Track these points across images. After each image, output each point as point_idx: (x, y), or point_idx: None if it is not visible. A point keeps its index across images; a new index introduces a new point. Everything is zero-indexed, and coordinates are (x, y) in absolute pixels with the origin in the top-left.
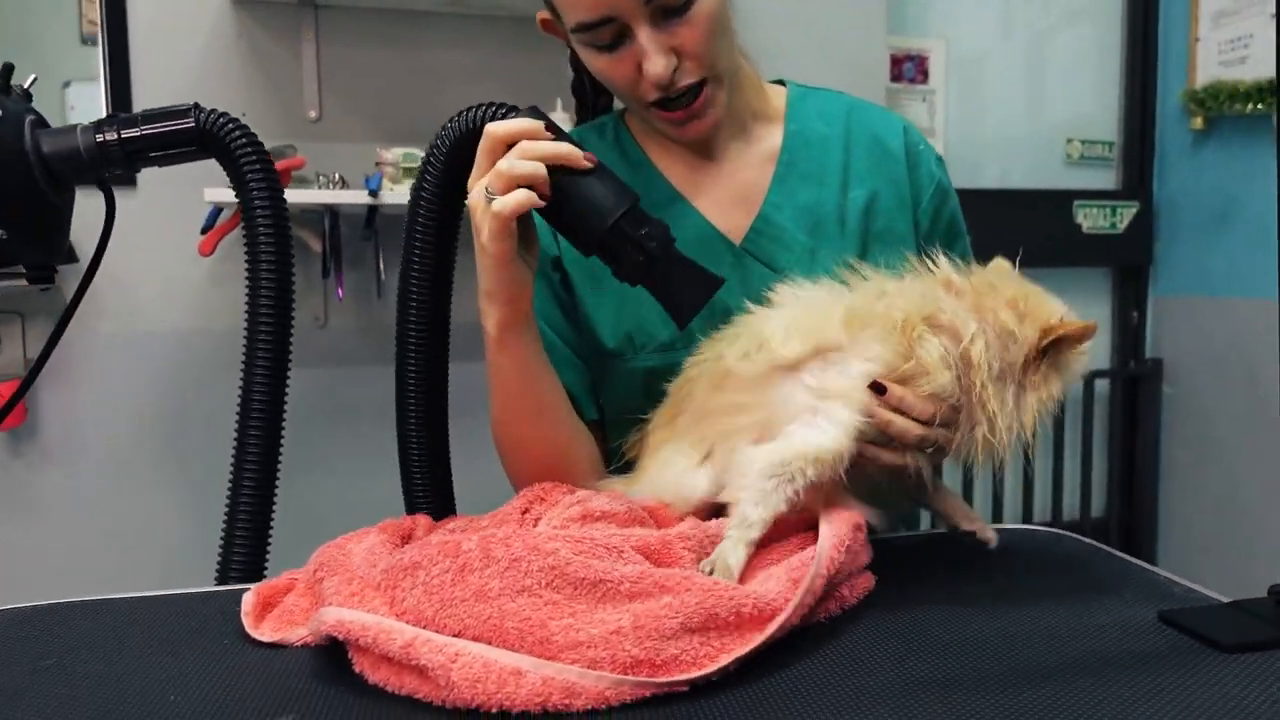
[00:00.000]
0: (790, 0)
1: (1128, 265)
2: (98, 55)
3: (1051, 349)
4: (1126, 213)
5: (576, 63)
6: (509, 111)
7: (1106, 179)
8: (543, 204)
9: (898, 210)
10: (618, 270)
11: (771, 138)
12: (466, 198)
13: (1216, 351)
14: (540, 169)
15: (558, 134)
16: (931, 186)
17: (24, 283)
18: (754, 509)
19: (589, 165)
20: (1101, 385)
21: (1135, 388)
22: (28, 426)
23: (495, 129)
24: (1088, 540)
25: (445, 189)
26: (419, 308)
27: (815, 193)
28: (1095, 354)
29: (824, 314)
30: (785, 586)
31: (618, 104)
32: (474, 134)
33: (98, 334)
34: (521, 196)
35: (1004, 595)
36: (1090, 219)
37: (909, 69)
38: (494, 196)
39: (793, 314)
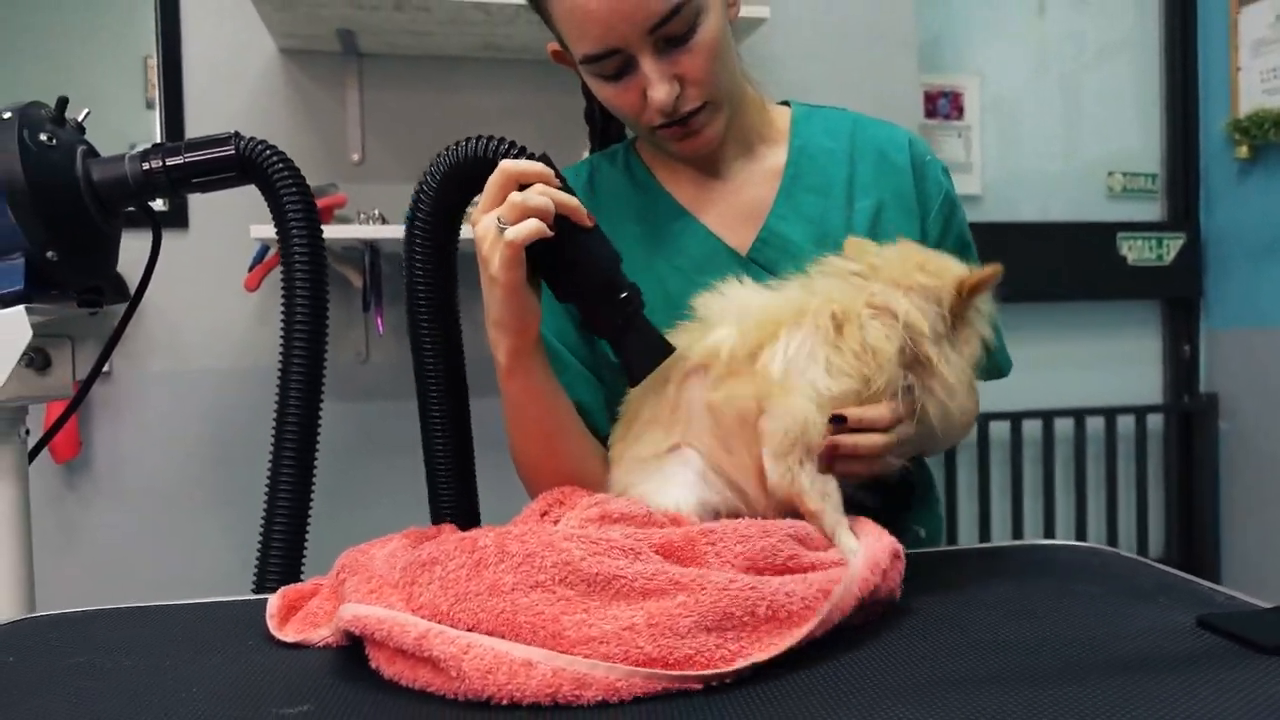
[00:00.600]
0: (821, 38)
1: (1177, 298)
2: (159, 118)
3: (970, 298)
4: (1173, 244)
5: (588, 91)
6: (520, 151)
7: (1150, 211)
8: (552, 235)
9: (904, 221)
10: (592, 324)
11: (776, 156)
12: (462, 226)
13: (1273, 385)
14: (551, 207)
15: (564, 186)
16: (940, 196)
17: (74, 306)
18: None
19: (590, 224)
20: (1154, 421)
21: (1190, 423)
22: (81, 460)
23: (512, 167)
24: (1127, 554)
25: (439, 213)
26: (430, 331)
27: (821, 204)
28: (1147, 388)
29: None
30: (812, 594)
31: (629, 131)
32: (471, 163)
33: (148, 371)
34: (534, 225)
35: (1037, 600)
36: (1135, 251)
37: (943, 105)
38: (505, 226)
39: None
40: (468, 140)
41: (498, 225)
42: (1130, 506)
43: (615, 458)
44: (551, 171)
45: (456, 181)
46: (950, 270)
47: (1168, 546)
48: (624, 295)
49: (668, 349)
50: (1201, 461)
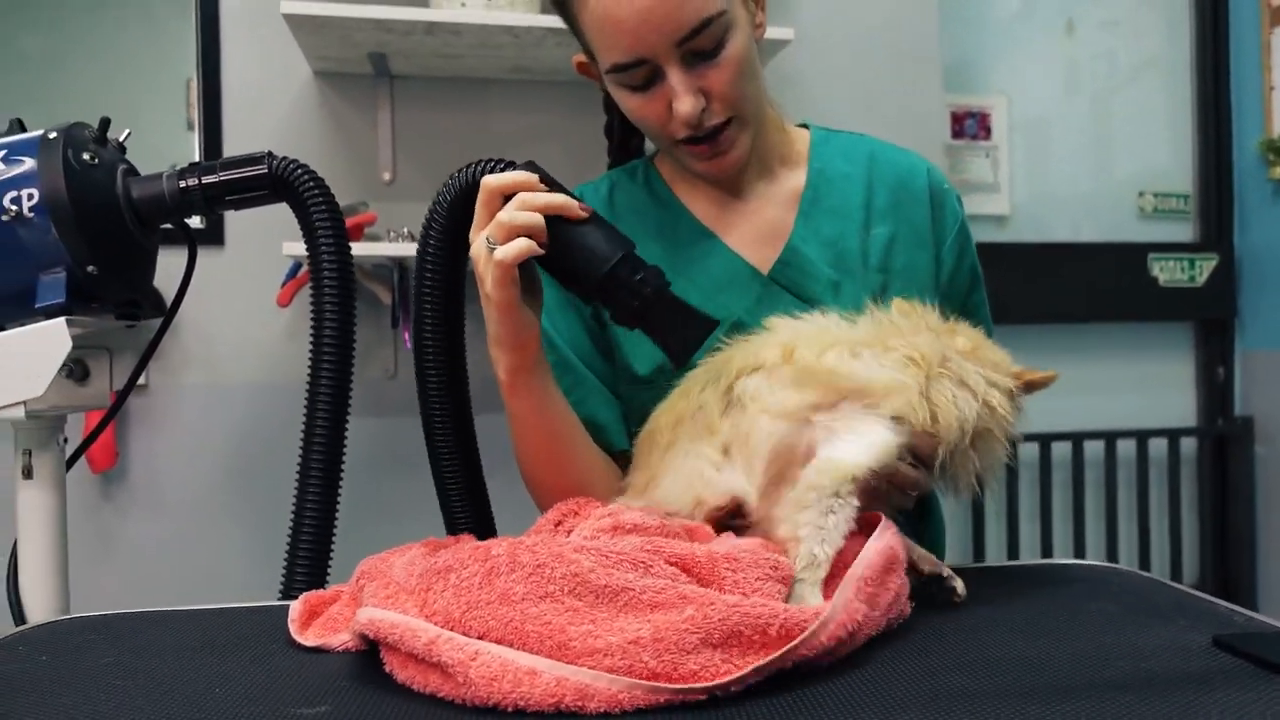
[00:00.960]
0: (846, 59)
1: (1210, 319)
2: (198, 138)
3: (1025, 393)
4: (1205, 265)
5: (609, 105)
6: (506, 166)
7: (1182, 232)
8: (542, 252)
9: (918, 249)
10: (615, 315)
11: (796, 178)
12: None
13: None
14: (538, 219)
15: (553, 185)
16: (955, 226)
17: (112, 319)
18: (820, 547)
19: (585, 215)
20: (1188, 444)
21: (1224, 447)
22: (117, 470)
23: (491, 182)
24: (1146, 574)
25: (449, 242)
26: (434, 355)
27: (839, 227)
28: (1180, 410)
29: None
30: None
31: (648, 146)
32: (473, 188)
33: (182, 384)
34: (522, 245)
35: (1051, 618)
36: (1167, 272)
37: (971, 125)
38: (495, 246)
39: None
40: (467, 166)
41: (487, 245)
42: (1163, 531)
43: (649, 474)
44: (535, 177)
45: (460, 208)
46: (1000, 362)
47: (1202, 572)
48: (638, 277)
49: (706, 322)
50: (1237, 486)
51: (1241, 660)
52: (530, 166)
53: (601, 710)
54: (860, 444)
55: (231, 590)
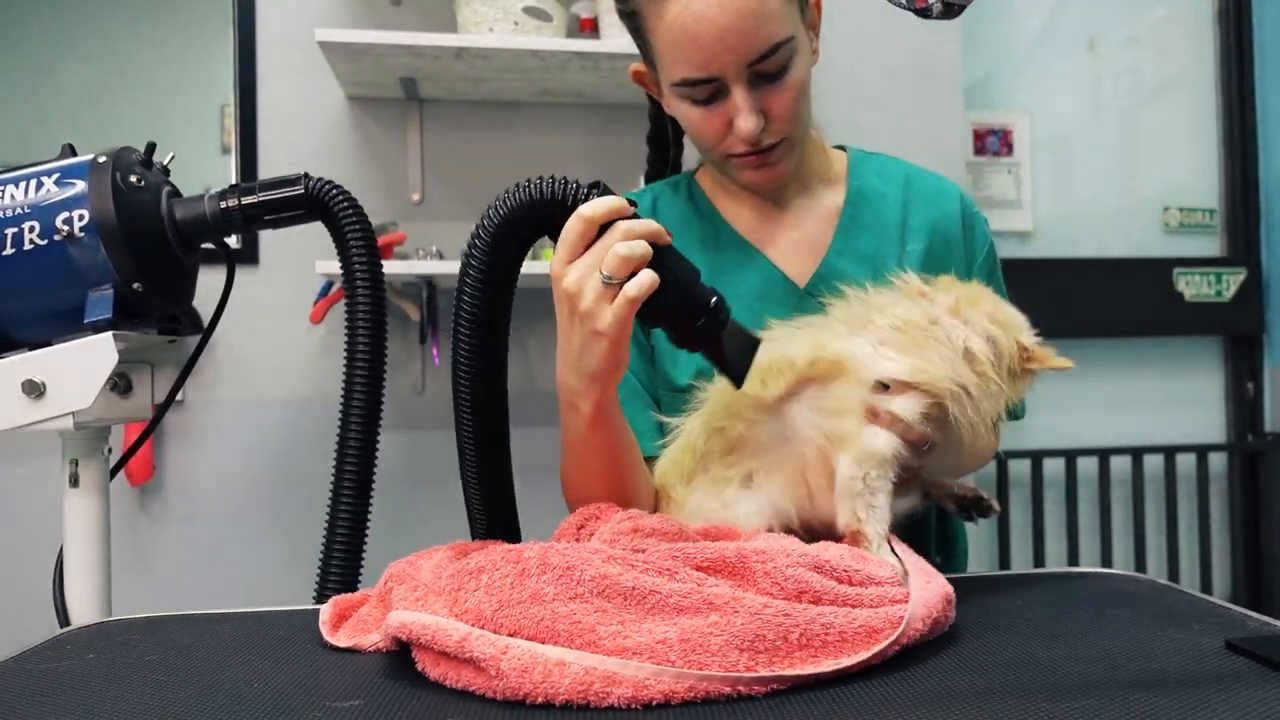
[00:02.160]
0: (868, 78)
1: (1238, 334)
2: (234, 162)
3: (1026, 364)
4: (1233, 280)
5: (656, 115)
6: (589, 191)
7: (1209, 246)
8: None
9: (950, 267)
10: (684, 338)
11: (834, 196)
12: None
13: None
14: (648, 250)
15: (635, 212)
16: (985, 247)
17: (154, 334)
18: (879, 525)
19: (669, 239)
20: (1217, 460)
21: (1255, 463)
22: (154, 483)
23: (592, 212)
24: (1163, 581)
25: (495, 259)
26: (469, 381)
27: (875, 243)
28: (1209, 426)
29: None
30: (852, 631)
31: (686, 158)
32: (543, 205)
33: (218, 399)
34: (649, 278)
35: (1065, 622)
36: (1193, 287)
37: (993, 142)
38: (611, 280)
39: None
40: (536, 181)
41: (601, 279)
42: (1193, 547)
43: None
44: (627, 204)
45: (523, 222)
46: (1003, 319)
47: (1234, 588)
48: (714, 301)
49: (757, 343)
50: (1268, 502)
51: (1254, 662)
52: (602, 188)
53: (629, 695)
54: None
55: (265, 601)
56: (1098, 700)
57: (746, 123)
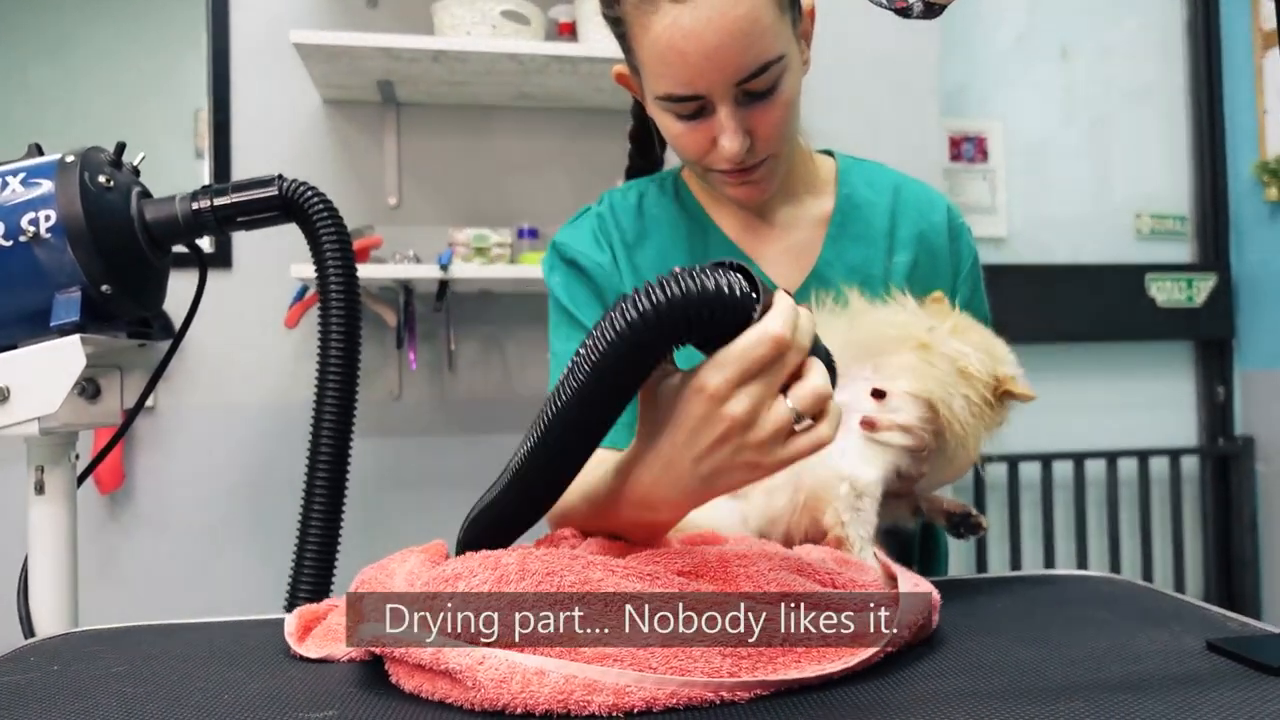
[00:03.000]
0: (846, 84)
1: (1209, 339)
2: (208, 166)
3: (1001, 400)
4: (1203, 285)
5: (639, 113)
6: (757, 289)
7: (1180, 253)
8: None
9: (936, 278)
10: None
11: (822, 204)
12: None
13: None
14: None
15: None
16: (970, 258)
17: (124, 337)
18: (864, 529)
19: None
20: (1189, 463)
21: (1226, 466)
22: (124, 491)
23: (787, 334)
24: (1141, 582)
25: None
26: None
27: (864, 253)
28: (1180, 430)
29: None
30: (834, 636)
31: (668, 157)
32: (692, 305)
33: (189, 406)
34: (838, 417)
35: (1046, 624)
36: (1165, 292)
37: (968, 149)
38: (803, 418)
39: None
40: (697, 274)
41: (792, 413)
42: (1166, 549)
43: None
44: (810, 315)
45: (672, 326)
46: (1001, 359)
47: (1206, 590)
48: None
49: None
50: (1238, 505)
51: (1234, 662)
52: (744, 271)
53: (609, 702)
54: (868, 455)
55: (239, 611)
56: (1084, 703)
57: (731, 143)
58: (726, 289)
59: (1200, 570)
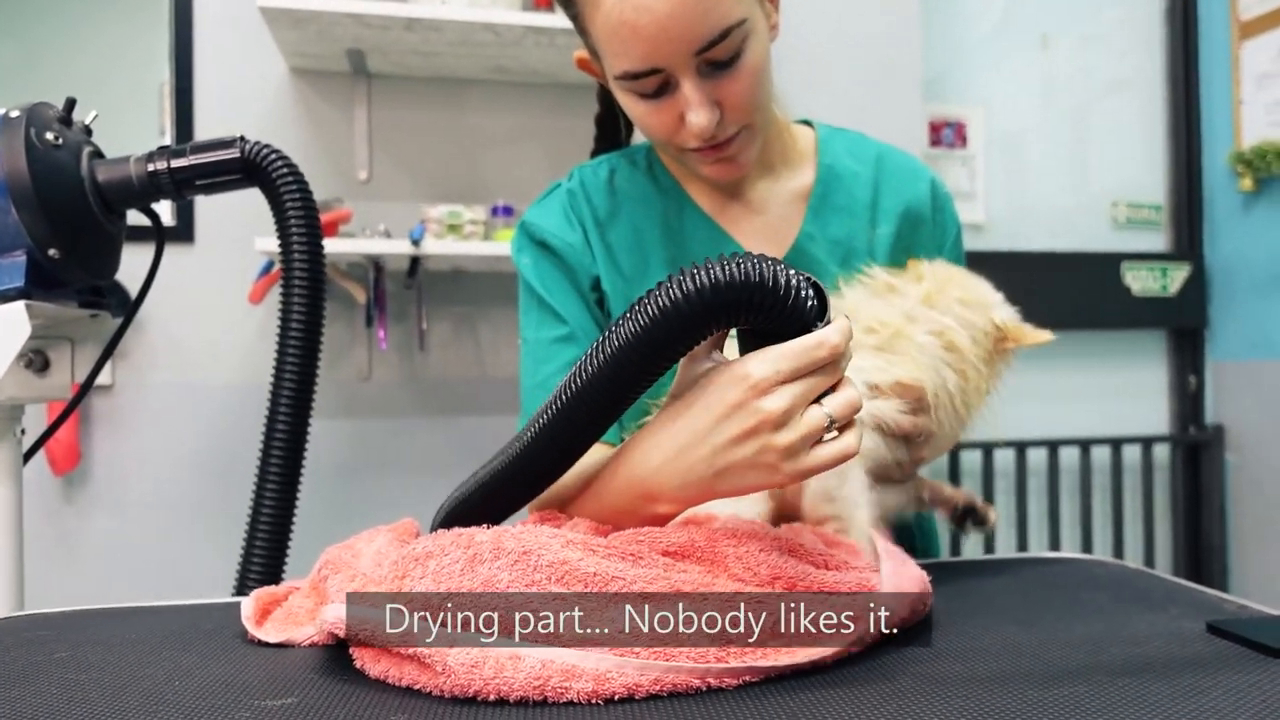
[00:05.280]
0: (827, 68)
1: (1182, 328)
2: (169, 135)
3: (1003, 344)
4: (1178, 274)
5: (605, 96)
6: (815, 299)
7: (1155, 241)
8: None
9: (919, 248)
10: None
11: (801, 176)
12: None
13: None
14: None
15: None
16: (954, 229)
17: (75, 307)
18: (861, 510)
19: None
20: (1161, 451)
21: (1197, 454)
22: (80, 472)
23: (843, 342)
24: (1134, 565)
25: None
26: None
27: (846, 225)
28: (1153, 418)
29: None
30: (831, 621)
31: (636, 138)
32: (748, 289)
33: (149, 384)
34: (862, 431)
35: (1043, 606)
36: (1140, 281)
37: (948, 134)
38: (835, 424)
39: None
40: (778, 263)
41: (826, 417)
42: (1137, 538)
43: None
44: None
45: (722, 308)
46: (973, 299)
47: (1175, 576)
48: None
49: None
50: (1208, 494)
51: (1237, 645)
52: (815, 283)
53: (589, 689)
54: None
55: (201, 592)
56: (1086, 686)
57: (699, 117)
58: (797, 288)
59: (1170, 556)
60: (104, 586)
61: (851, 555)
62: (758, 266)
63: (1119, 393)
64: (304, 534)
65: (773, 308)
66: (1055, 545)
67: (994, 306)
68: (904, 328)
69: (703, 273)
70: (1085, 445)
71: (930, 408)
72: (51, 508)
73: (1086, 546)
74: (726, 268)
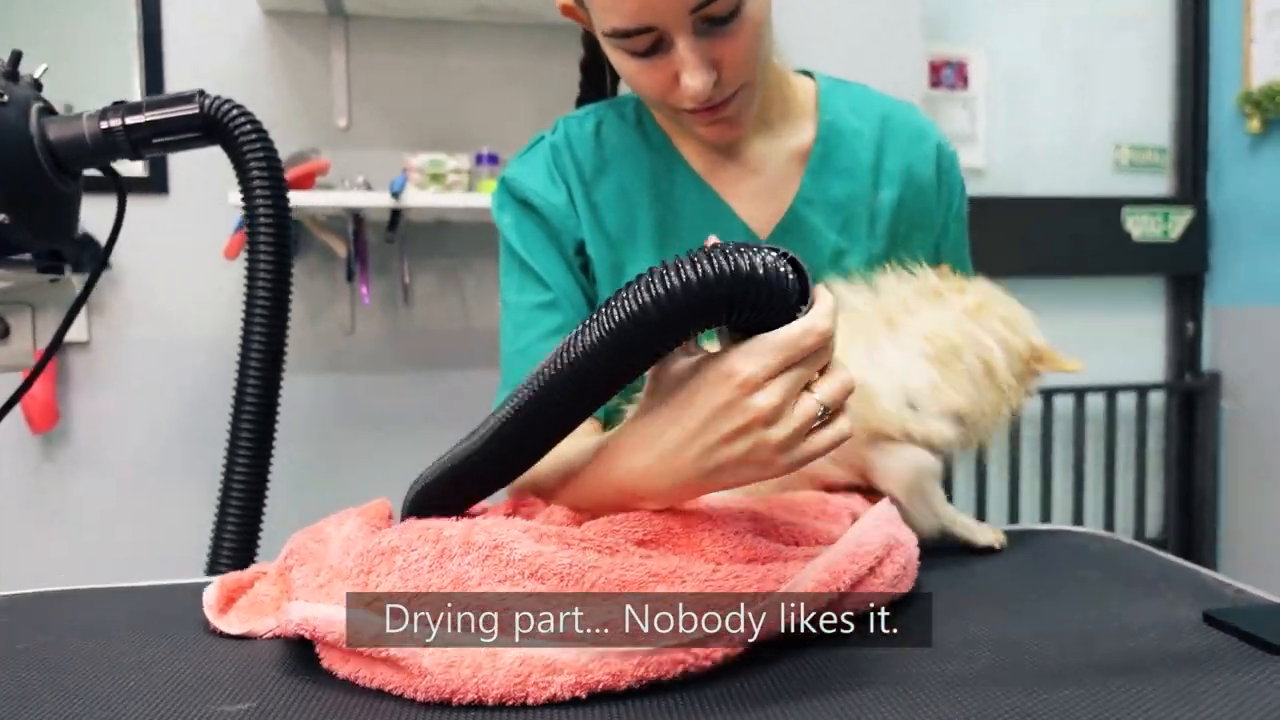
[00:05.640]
0: (824, 6)
1: (1182, 274)
2: (138, 83)
3: (1036, 367)
4: (1179, 220)
5: (590, 41)
6: (795, 280)
7: (1158, 185)
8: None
9: (924, 215)
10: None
11: (801, 133)
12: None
13: (1278, 364)
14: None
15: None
16: (959, 198)
17: (33, 272)
18: (944, 507)
19: None
20: (1156, 399)
21: (1192, 402)
22: (59, 431)
23: (830, 327)
24: (1127, 540)
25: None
26: None
27: (848, 187)
28: (1149, 366)
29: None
30: (807, 588)
31: (623, 86)
32: (735, 282)
33: (127, 340)
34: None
35: (1030, 591)
36: (1141, 226)
37: (948, 75)
38: (827, 411)
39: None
40: (727, 251)
41: (819, 407)
42: (1129, 487)
43: None
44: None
45: (706, 305)
46: (1012, 317)
47: (1165, 528)
48: None
49: None
50: (1202, 442)
51: (1234, 638)
52: (793, 260)
53: (571, 682)
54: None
55: (181, 555)
56: (1078, 689)
57: (694, 80)
58: (778, 275)
59: (1161, 506)
60: (84, 545)
61: (832, 524)
62: (734, 260)
63: (1115, 340)
64: (289, 491)
65: (755, 300)
66: (1047, 494)
67: (1032, 330)
68: (958, 342)
69: (672, 273)
70: (1080, 393)
71: (968, 429)
72: (31, 467)
73: (1078, 495)
74: (700, 265)
